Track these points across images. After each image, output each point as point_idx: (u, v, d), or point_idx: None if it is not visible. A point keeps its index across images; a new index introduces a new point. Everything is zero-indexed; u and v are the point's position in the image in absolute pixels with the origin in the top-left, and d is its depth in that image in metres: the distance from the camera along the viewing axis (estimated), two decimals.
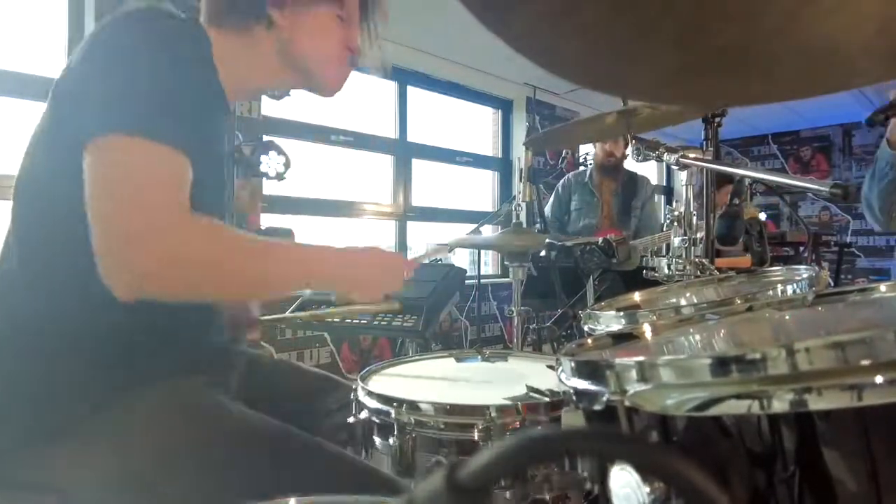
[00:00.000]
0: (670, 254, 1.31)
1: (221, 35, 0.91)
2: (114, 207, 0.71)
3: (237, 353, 1.07)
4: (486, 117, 4.56)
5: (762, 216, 2.63)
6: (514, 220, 1.95)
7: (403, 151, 3.79)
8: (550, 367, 1.10)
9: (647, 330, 0.67)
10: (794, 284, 0.84)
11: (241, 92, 0.97)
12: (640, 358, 0.38)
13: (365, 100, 3.82)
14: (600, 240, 1.69)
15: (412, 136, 3.84)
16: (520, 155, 4.28)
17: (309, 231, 3.35)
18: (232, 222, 2.01)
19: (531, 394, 0.92)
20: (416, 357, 1.26)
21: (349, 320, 1.73)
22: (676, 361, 0.36)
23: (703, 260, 1.29)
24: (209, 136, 0.88)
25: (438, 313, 1.91)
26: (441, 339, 3.44)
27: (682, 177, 1.35)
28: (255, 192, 2.83)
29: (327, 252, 0.92)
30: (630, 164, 3.24)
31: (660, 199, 3.19)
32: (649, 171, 6.00)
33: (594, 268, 1.66)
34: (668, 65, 0.46)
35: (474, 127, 4.54)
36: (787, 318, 0.68)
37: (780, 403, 0.32)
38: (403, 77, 3.78)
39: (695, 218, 1.32)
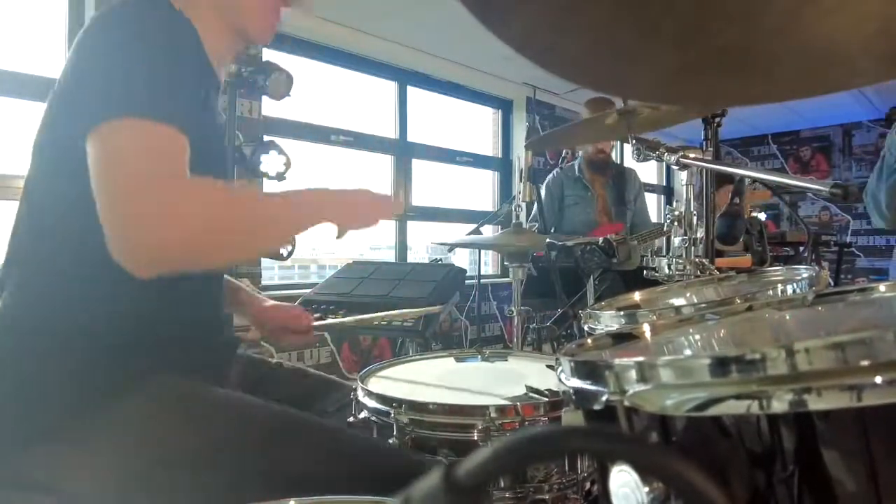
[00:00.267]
0: (670, 254, 1.31)
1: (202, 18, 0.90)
2: (117, 188, 0.72)
3: (236, 350, 1.07)
4: (486, 117, 4.57)
5: (762, 216, 2.63)
6: (513, 220, 1.95)
7: (403, 151, 3.79)
8: (550, 367, 1.10)
9: (646, 330, 0.67)
10: (794, 284, 0.84)
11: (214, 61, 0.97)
12: (640, 358, 0.38)
13: (365, 100, 3.82)
14: (600, 240, 1.69)
15: (412, 136, 3.84)
16: (520, 155, 4.28)
17: (309, 231, 3.35)
18: None
19: (531, 394, 0.92)
20: (416, 357, 1.26)
21: (396, 323, 1.73)
22: (676, 362, 0.36)
23: (703, 260, 1.28)
24: (204, 110, 0.89)
25: (438, 313, 1.91)
26: (441, 339, 3.44)
27: (682, 177, 1.35)
28: None
29: (324, 194, 0.96)
30: (630, 164, 3.24)
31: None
32: (649, 171, 6.02)
33: (594, 268, 1.66)
34: (668, 65, 0.46)
35: (474, 127, 4.54)
36: (787, 318, 0.68)
37: (780, 404, 0.32)
38: (403, 77, 3.78)
39: (695, 218, 1.32)
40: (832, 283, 0.94)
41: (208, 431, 0.78)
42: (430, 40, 3.50)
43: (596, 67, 0.47)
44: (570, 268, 1.88)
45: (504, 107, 4.51)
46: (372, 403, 0.95)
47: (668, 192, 6.24)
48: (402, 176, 3.78)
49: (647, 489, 0.34)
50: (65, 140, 0.79)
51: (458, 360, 1.25)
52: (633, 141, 1.36)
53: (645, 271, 1.37)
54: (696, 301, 1.08)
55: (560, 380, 0.46)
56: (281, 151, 2.10)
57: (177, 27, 0.83)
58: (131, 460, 0.75)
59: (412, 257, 3.88)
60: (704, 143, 1.51)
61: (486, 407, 0.86)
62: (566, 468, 0.88)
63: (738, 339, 0.68)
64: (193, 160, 0.77)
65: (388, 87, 3.79)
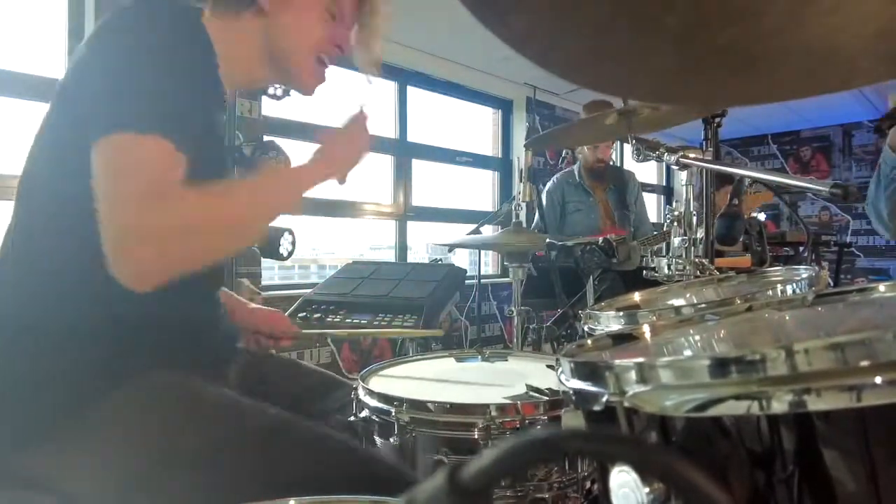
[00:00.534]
0: (670, 254, 1.31)
1: (211, 20, 0.91)
2: (113, 202, 0.72)
3: (235, 345, 1.07)
4: (486, 117, 4.56)
5: (762, 216, 2.63)
6: (514, 220, 1.95)
7: (403, 151, 3.79)
8: (550, 366, 1.10)
9: (646, 330, 0.67)
10: (794, 284, 0.84)
11: (226, 80, 0.97)
12: (640, 359, 0.38)
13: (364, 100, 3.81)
14: (600, 240, 1.69)
15: (412, 136, 3.84)
16: (520, 155, 4.28)
17: (309, 231, 3.35)
18: None
19: (531, 393, 0.92)
20: (417, 357, 1.26)
21: (396, 323, 1.74)
22: (676, 362, 0.36)
23: (703, 260, 1.28)
24: (209, 125, 0.89)
25: (438, 313, 1.91)
26: (441, 339, 3.44)
27: (682, 177, 1.35)
28: None
29: (299, 170, 0.96)
30: (630, 164, 3.24)
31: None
32: (649, 171, 6.02)
33: (594, 268, 1.66)
34: (668, 65, 0.46)
35: (474, 127, 4.54)
36: (787, 318, 0.68)
37: (780, 404, 0.32)
38: (403, 77, 3.78)
39: (694, 218, 1.32)
40: (832, 284, 0.94)
41: (200, 430, 0.78)
42: (430, 40, 3.50)
43: (596, 67, 0.47)
44: (570, 268, 1.88)
45: (504, 107, 4.51)
46: (373, 402, 0.95)
47: (668, 192, 6.24)
48: (402, 176, 3.78)
49: (647, 489, 0.35)
50: (66, 141, 0.79)
51: (459, 360, 1.25)
52: (633, 141, 1.36)
53: (645, 271, 1.37)
54: (695, 301, 1.08)
55: (560, 381, 0.46)
56: (281, 151, 2.10)
57: (188, 32, 0.83)
58: (126, 458, 0.75)
59: (412, 257, 3.88)
60: (704, 143, 1.51)
61: (487, 406, 0.86)
62: (566, 467, 0.88)
63: (738, 340, 0.68)
64: (195, 171, 0.77)
65: (388, 87, 3.79)
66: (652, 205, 6.20)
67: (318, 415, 1.04)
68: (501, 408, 0.87)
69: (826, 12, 0.39)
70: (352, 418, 0.97)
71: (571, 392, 0.44)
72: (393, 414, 0.89)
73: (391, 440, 0.89)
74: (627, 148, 1.40)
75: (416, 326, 1.77)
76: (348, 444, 0.86)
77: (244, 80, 1.02)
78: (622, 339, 0.64)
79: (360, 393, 0.99)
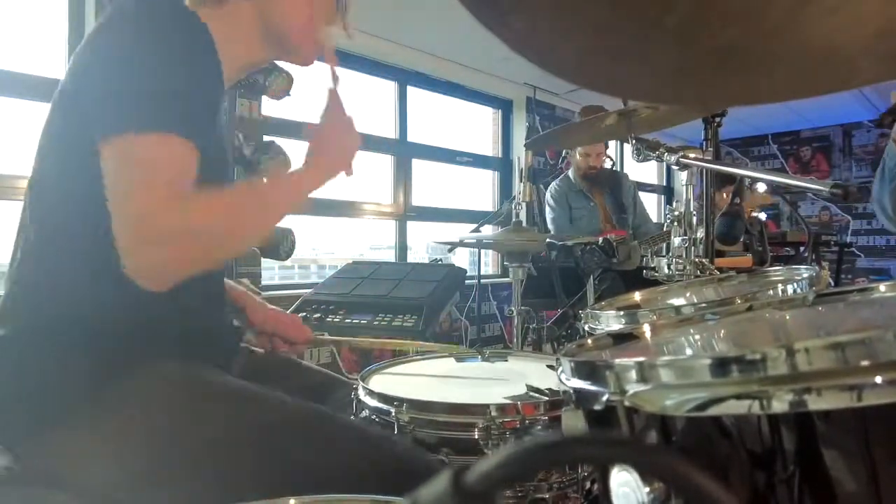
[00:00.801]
0: (670, 254, 1.31)
1: (204, 11, 0.90)
2: (129, 202, 0.73)
3: (239, 341, 1.08)
4: (486, 117, 4.56)
5: (762, 216, 2.63)
6: (514, 220, 1.95)
7: (403, 151, 3.79)
8: (550, 366, 1.10)
9: (647, 330, 0.67)
10: (795, 284, 0.84)
11: (228, 69, 0.96)
12: (640, 358, 0.38)
13: (365, 100, 3.82)
14: (600, 240, 1.69)
15: (412, 136, 3.84)
16: (520, 155, 4.28)
17: (309, 231, 3.35)
18: None
19: (531, 393, 0.92)
20: (416, 357, 1.26)
21: (396, 323, 1.75)
22: (676, 362, 0.36)
23: (703, 260, 1.29)
24: (213, 119, 0.89)
25: (438, 313, 1.91)
26: (441, 339, 3.44)
27: (682, 177, 1.35)
28: None
29: (302, 175, 0.98)
30: (630, 164, 3.25)
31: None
32: (649, 171, 6.02)
33: (594, 267, 1.66)
34: (668, 65, 0.46)
35: (474, 127, 4.54)
36: (788, 318, 0.68)
37: (780, 404, 0.32)
38: (403, 77, 3.78)
39: (695, 218, 1.32)
40: (832, 283, 0.94)
41: (214, 421, 0.78)
42: (430, 40, 3.50)
43: (595, 68, 0.47)
44: (570, 268, 1.89)
45: (504, 107, 4.51)
46: (373, 402, 0.95)
47: (668, 192, 6.24)
48: (402, 176, 3.78)
49: (647, 489, 0.35)
50: (73, 142, 0.79)
51: (459, 360, 1.25)
52: (633, 141, 1.36)
53: (645, 271, 1.37)
54: (696, 301, 1.08)
55: (560, 380, 0.46)
56: (281, 151, 2.10)
57: (189, 31, 0.83)
58: (141, 449, 0.75)
59: (412, 257, 3.88)
60: (704, 143, 1.51)
61: (487, 406, 0.86)
62: (567, 468, 0.88)
63: (739, 340, 0.68)
64: (200, 167, 0.77)
65: (388, 87, 3.79)
66: (652, 205, 6.21)
67: None
68: (501, 408, 0.87)
69: (826, 12, 0.39)
70: (352, 418, 0.97)
71: (572, 391, 0.44)
72: (393, 414, 0.89)
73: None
74: (627, 148, 1.40)
75: (417, 326, 1.77)
76: (382, 435, 0.86)
77: (245, 64, 1.01)
78: (622, 339, 0.64)
79: (361, 393, 0.99)
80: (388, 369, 1.17)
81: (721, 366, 0.34)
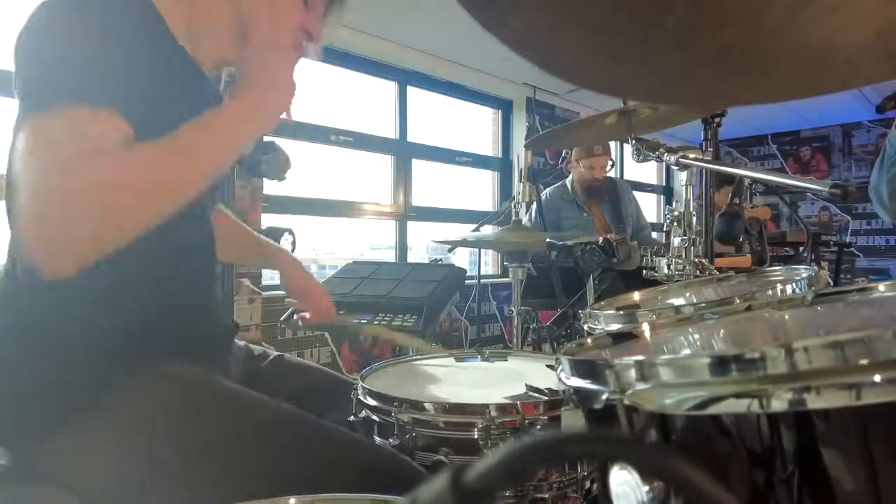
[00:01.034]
0: (670, 254, 1.31)
1: (175, 2, 0.87)
2: (27, 177, 0.68)
3: (230, 341, 1.08)
4: (486, 117, 4.57)
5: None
6: (513, 220, 1.95)
7: (403, 151, 3.79)
8: (550, 366, 1.10)
9: (646, 329, 0.67)
10: (794, 284, 0.84)
11: (204, 58, 0.94)
12: (640, 357, 0.38)
13: (365, 100, 3.82)
14: (601, 239, 1.69)
15: (412, 136, 3.84)
16: (519, 155, 4.28)
17: (309, 231, 3.35)
18: None
19: (530, 393, 0.92)
20: (416, 357, 1.27)
21: (396, 323, 1.76)
22: (676, 361, 0.36)
23: (703, 260, 1.29)
24: (174, 89, 0.84)
25: (438, 313, 1.91)
26: (441, 339, 3.44)
27: (681, 177, 1.35)
28: (255, 192, 2.83)
29: (232, 107, 0.85)
30: (630, 165, 3.25)
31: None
32: (649, 171, 6.02)
33: (594, 267, 1.66)
34: (668, 65, 0.46)
35: (474, 127, 4.54)
36: (787, 317, 0.68)
37: (779, 402, 0.32)
38: (403, 77, 3.78)
39: (694, 218, 1.32)
40: (832, 283, 0.94)
41: (213, 422, 0.78)
42: (430, 40, 3.50)
43: (595, 68, 0.47)
44: (570, 268, 1.89)
45: (504, 107, 4.51)
46: (372, 402, 0.95)
47: (667, 192, 6.24)
48: (402, 176, 3.78)
49: (646, 488, 0.35)
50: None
51: (458, 359, 1.25)
52: (633, 141, 1.36)
53: (645, 271, 1.37)
54: (695, 301, 1.08)
55: (560, 379, 0.46)
56: (281, 151, 2.10)
57: (121, 7, 0.79)
58: (139, 450, 0.75)
59: (412, 257, 3.88)
60: (704, 143, 1.51)
61: (487, 406, 0.86)
62: (566, 467, 0.88)
63: (738, 339, 0.68)
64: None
65: (388, 87, 3.79)
66: (652, 205, 6.21)
67: (320, 413, 1.05)
68: (501, 408, 0.87)
69: (826, 12, 0.39)
70: (351, 418, 0.97)
71: (571, 390, 0.44)
72: (392, 414, 0.89)
73: (390, 440, 0.89)
74: (627, 148, 1.40)
75: (417, 326, 1.77)
76: (360, 440, 0.86)
77: (213, 59, 0.96)
78: (622, 338, 0.65)
79: (360, 393, 0.99)
80: (388, 369, 1.17)
81: (720, 364, 0.34)
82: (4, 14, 2.23)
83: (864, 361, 0.30)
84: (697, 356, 0.35)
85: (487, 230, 3.12)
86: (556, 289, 2.18)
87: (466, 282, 2.43)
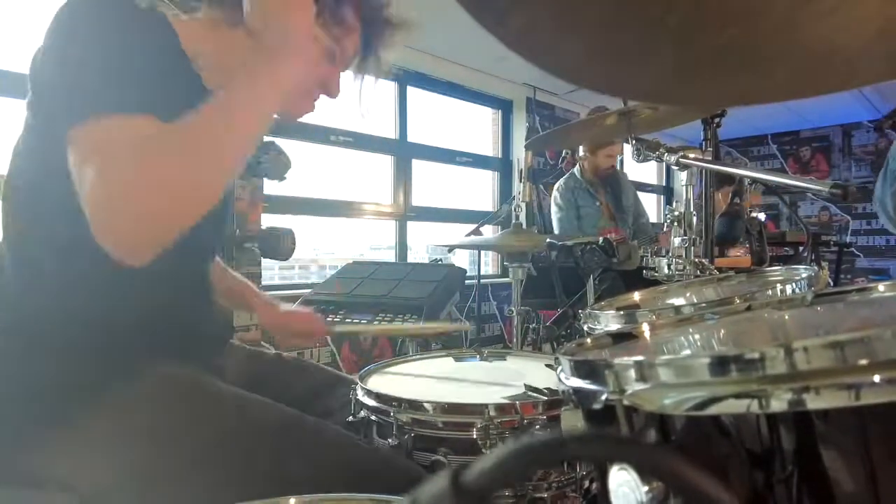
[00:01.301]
0: (670, 254, 1.31)
1: (195, 26, 0.88)
2: (89, 179, 0.69)
3: (224, 342, 1.08)
4: (486, 117, 4.57)
5: (762, 216, 2.63)
6: (513, 221, 1.95)
7: (403, 151, 3.79)
8: (549, 366, 1.10)
9: (646, 329, 0.67)
10: (794, 284, 0.84)
11: (217, 80, 0.92)
12: (639, 357, 0.38)
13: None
14: (601, 239, 1.69)
15: (412, 137, 3.84)
16: (520, 155, 4.28)
17: (309, 231, 3.35)
18: (232, 222, 2.00)
19: (529, 393, 0.92)
20: (416, 357, 1.27)
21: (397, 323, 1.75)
22: (675, 361, 0.36)
23: (703, 260, 1.29)
24: (176, 95, 0.82)
25: (438, 313, 1.91)
26: (441, 339, 3.44)
27: (682, 177, 1.35)
28: (255, 192, 2.83)
29: (248, 79, 0.80)
30: (630, 164, 3.27)
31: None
32: (649, 171, 6.02)
33: (594, 267, 1.66)
34: (668, 65, 0.46)
35: (474, 127, 4.54)
36: (787, 317, 0.68)
37: (779, 402, 0.32)
38: (403, 77, 3.78)
39: (695, 218, 1.32)
40: (832, 283, 0.94)
41: (210, 425, 0.79)
42: (430, 40, 3.50)
43: (595, 68, 0.47)
44: (570, 268, 1.89)
45: (504, 107, 4.51)
46: (371, 402, 0.95)
47: (668, 192, 6.24)
48: (402, 176, 3.78)
49: (646, 488, 0.35)
50: (43, 139, 0.79)
51: (458, 359, 1.25)
52: (633, 141, 1.36)
53: (645, 271, 1.37)
54: (695, 301, 1.08)
55: (559, 379, 0.46)
56: (281, 151, 2.10)
57: (141, 24, 0.80)
58: (135, 453, 0.75)
59: (412, 257, 3.88)
60: (704, 143, 1.51)
61: (486, 406, 0.86)
62: (565, 467, 0.88)
63: (738, 339, 0.68)
64: None
65: (388, 88, 3.79)
66: (652, 205, 6.21)
67: (321, 412, 1.05)
68: (500, 408, 0.87)
69: (826, 12, 0.39)
70: (350, 418, 0.97)
71: (571, 390, 0.44)
72: (391, 414, 0.89)
73: (389, 440, 0.89)
74: (627, 148, 1.40)
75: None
76: (358, 442, 0.87)
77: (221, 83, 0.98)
78: (622, 338, 0.64)
79: (359, 393, 0.99)
80: (387, 369, 1.17)
81: (720, 365, 0.34)
82: (4, 14, 2.23)
83: (863, 361, 0.30)
84: (697, 356, 0.35)
85: (487, 230, 3.13)
86: (556, 289, 2.18)
87: (466, 282, 2.43)
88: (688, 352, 0.64)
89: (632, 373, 0.38)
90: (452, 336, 3.54)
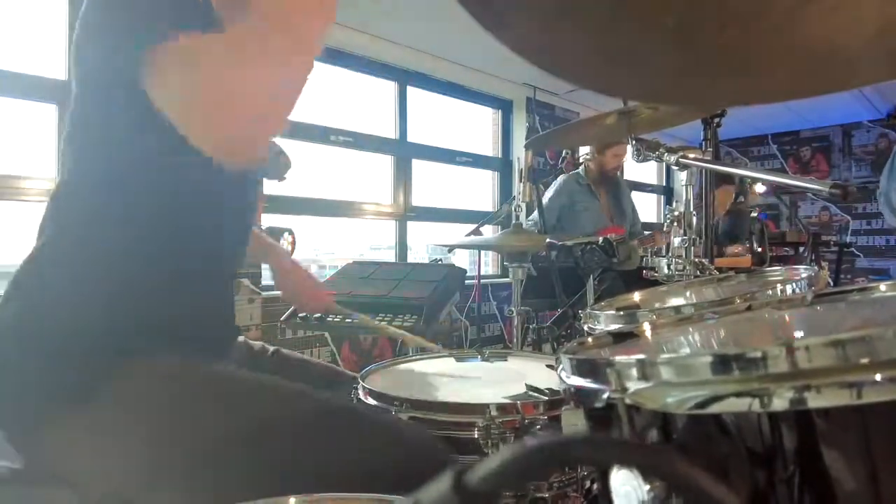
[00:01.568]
0: (670, 254, 1.31)
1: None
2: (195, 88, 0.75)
3: (236, 340, 1.08)
4: (486, 117, 4.57)
5: (762, 216, 2.64)
6: (514, 221, 1.95)
7: (403, 151, 3.79)
8: (550, 366, 1.10)
9: (647, 329, 0.67)
10: (793, 284, 0.84)
11: None
12: (641, 356, 0.38)
13: (365, 100, 3.82)
14: (600, 239, 1.69)
15: (412, 136, 3.84)
16: (520, 155, 4.28)
17: (309, 231, 3.35)
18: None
19: (530, 393, 0.92)
20: (416, 357, 1.27)
21: (397, 323, 1.76)
22: (677, 359, 0.36)
23: (703, 260, 1.29)
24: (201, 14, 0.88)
25: (438, 313, 1.91)
26: (441, 339, 3.44)
27: (681, 177, 1.35)
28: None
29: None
30: (630, 164, 3.28)
31: None
32: (649, 171, 6.02)
33: (594, 267, 1.66)
34: (668, 65, 0.46)
35: (474, 127, 4.54)
36: (787, 317, 0.68)
37: (780, 401, 0.32)
38: (403, 77, 3.78)
39: (694, 218, 1.32)
40: (832, 283, 0.94)
41: (216, 402, 0.79)
42: (430, 40, 3.50)
43: (595, 68, 0.47)
44: (570, 268, 1.89)
45: (504, 107, 4.51)
46: (372, 402, 0.95)
47: (668, 192, 6.24)
48: (402, 176, 3.78)
49: (647, 487, 0.35)
50: (82, 129, 0.81)
51: (458, 359, 1.25)
52: (633, 141, 1.36)
53: (645, 271, 1.37)
54: (695, 301, 1.08)
55: (561, 378, 0.46)
56: (281, 152, 2.10)
57: None
58: (140, 442, 0.75)
59: (412, 257, 3.88)
60: (704, 143, 1.52)
61: (487, 405, 0.86)
62: (567, 467, 0.88)
63: (738, 339, 0.68)
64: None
65: (388, 87, 3.79)
66: (652, 205, 6.21)
67: None
68: (501, 407, 0.87)
69: (826, 12, 0.40)
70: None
71: (572, 389, 0.44)
72: (393, 413, 0.89)
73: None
74: (627, 148, 1.40)
75: (417, 326, 1.77)
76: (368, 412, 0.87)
77: None
78: (623, 337, 0.65)
79: (360, 392, 0.99)
80: (388, 369, 1.17)
81: (722, 363, 0.34)
82: (4, 14, 2.23)
83: (864, 360, 0.30)
84: (698, 355, 0.35)
85: (487, 230, 3.13)
86: (556, 289, 2.18)
87: (466, 282, 2.43)
88: (688, 351, 0.64)
89: (633, 371, 0.38)
90: (452, 337, 3.54)
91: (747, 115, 5.31)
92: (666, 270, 1.30)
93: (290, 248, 2.09)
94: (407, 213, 3.79)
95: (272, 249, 1.40)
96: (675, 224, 1.33)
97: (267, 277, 3.00)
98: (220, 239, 0.96)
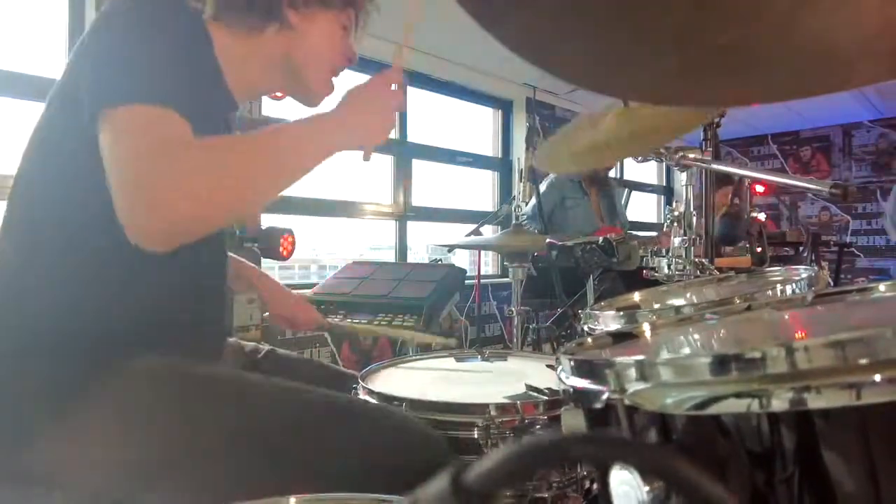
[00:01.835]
0: (670, 254, 1.31)
1: (229, 33, 0.90)
2: (121, 164, 0.72)
3: (226, 340, 1.08)
4: (486, 117, 4.56)
5: (762, 216, 2.63)
6: (513, 221, 1.95)
7: (403, 151, 3.79)
8: (550, 366, 1.10)
9: (646, 329, 0.67)
10: (793, 284, 0.84)
11: (239, 90, 0.97)
12: (640, 357, 0.38)
13: None
14: (600, 239, 1.69)
15: (412, 136, 3.84)
16: (520, 155, 4.28)
17: (309, 231, 3.35)
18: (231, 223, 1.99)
19: (530, 393, 0.92)
20: (417, 357, 1.27)
21: (397, 323, 1.76)
22: (676, 360, 0.36)
23: (703, 260, 1.29)
24: (205, 105, 0.86)
25: (438, 313, 1.91)
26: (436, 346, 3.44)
27: (682, 177, 1.35)
28: None
29: (322, 120, 0.92)
30: (630, 164, 3.29)
31: None
32: (649, 171, 6.02)
33: (594, 267, 1.66)
34: (668, 65, 0.46)
35: (474, 127, 4.54)
36: (787, 317, 0.68)
37: (780, 402, 0.32)
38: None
39: (695, 218, 1.32)
40: (832, 283, 0.94)
41: (211, 403, 0.78)
42: (430, 40, 3.50)
43: (594, 68, 0.47)
44: (570, 268, 1.89)
45: (504, 107, 4.51)
46: (373, 401, 0.95)
47: (668, 192, 6.24)
48: (402, 176, 3.78)
49: (647, 488, 0.35)
50: (62, 132, 0.80)
51: (459, 360, 1.25)
52: None
53: (645, 271, 1.37)
54: (695, 301, 1.08)
55: (560, 378, 0.46)
56: None
57: (186, 25, 0.83)
58: (130, 444, 0.75)
59: (412, 257, 3.88)
60: (704, 143, 1.51)
61: (487, 405, 0.86)
62: (566, 467, 0.88)
63: (738, 339, 0.68)
64: None
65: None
66: (652, 205, 6.21)
67: None
68: (501, 407, 0.87)
69: (826, 12, 0.39)
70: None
71: (571, 390, 0.44)
72: (391, 406, 0.89)
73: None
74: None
75: (417, 326, 1.77)
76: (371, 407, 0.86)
77: (258, 88, 1.03)
78: (622, 338, 0.65)
79: (360, 392, 0.99)
80: (388, 369, 1.17)
81: (721, 364, 0.34)
82: (4, 14, 2.23)
83: (864, 361, 0.30)
84: (698, 356, 0.35)
85: (487, 230, 3.13)
86: (556, 289, 2.18)
87: (466, 282, 2.43)
88: (688, 351, 0.64)
89: (633, 372, 0.38)
90: (451, 338, 3.54)
91: (747, 115, 5.30)
92: (666, 270, 1.30)
93: (290, 248, 2.08)
94: (407, 213, 3.79)
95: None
96: (676, 224, 1.33)
97: None
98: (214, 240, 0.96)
